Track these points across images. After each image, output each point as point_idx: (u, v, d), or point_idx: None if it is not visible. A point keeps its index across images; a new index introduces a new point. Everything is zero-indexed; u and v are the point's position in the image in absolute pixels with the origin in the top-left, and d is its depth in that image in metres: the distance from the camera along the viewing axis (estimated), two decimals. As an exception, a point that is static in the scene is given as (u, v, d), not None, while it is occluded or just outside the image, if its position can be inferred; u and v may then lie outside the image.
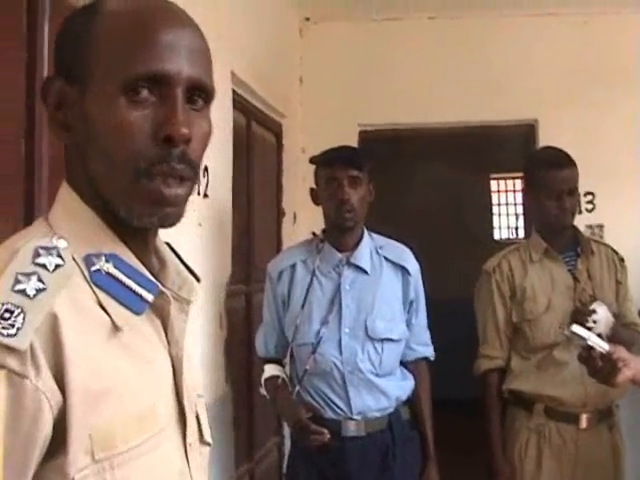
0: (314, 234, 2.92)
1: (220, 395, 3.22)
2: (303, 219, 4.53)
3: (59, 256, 0.93)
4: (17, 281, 0.87)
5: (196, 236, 2.97)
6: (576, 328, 2.10)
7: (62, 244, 0.95)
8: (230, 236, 3.43)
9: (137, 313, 0.98)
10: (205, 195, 3.08)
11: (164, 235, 2.62)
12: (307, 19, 4.71)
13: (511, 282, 3.08)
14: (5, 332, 0.83)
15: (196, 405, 1.10)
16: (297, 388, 2.75)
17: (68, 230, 0.98)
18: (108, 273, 0.97)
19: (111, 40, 0.97)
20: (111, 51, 0.97)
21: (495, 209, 8.57)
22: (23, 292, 0.87)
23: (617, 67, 4.53)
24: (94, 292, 0.95)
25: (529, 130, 4.79)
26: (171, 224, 1.04)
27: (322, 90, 4.72)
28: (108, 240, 1.00)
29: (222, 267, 3.31)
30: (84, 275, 0.96)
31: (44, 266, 0.90)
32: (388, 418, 2.72)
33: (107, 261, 0.97)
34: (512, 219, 8.41)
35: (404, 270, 2.82)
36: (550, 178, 2.96)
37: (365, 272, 2.77)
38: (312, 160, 2.89)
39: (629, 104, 4.49)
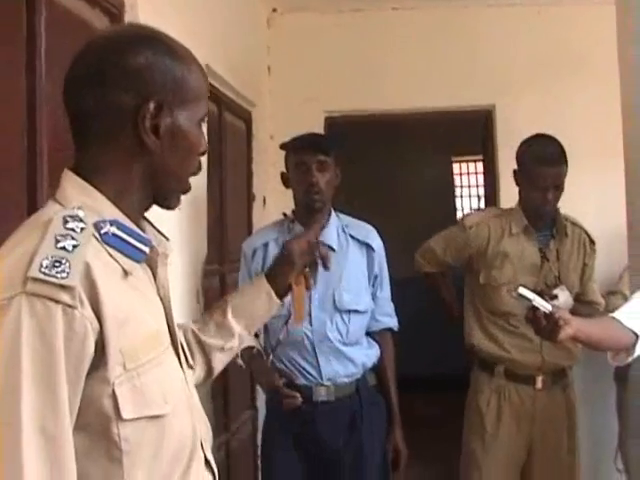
0: (285, 215, 3.12)
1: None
2: (272, 203, 4.73)
3: (81, 221, 1.23)
4: (57, 240, 1.17)
5: (176, 220, 3.16)
6: (522, 290, 2.32)
7: (81, 213, 1.25)
8: (205, 220, 3.63)
9: (138, 261, 1.30)
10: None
11: (155, 218, 2.82)
12: (274, 10, 4.89)
13: (483, 246, 3.34)
14: (59, 275, 1.13)
15: (179, 336, 1.45)
16: (271, 357, 2.95)
17: (78, 204, 1.27)
18: (114, 234, 1.27)
19: (190, 81, 1.37)
20: (193, 90, 1.37)
21: (457, 191, 8.82)
22: (64, 248, 1.17)
23: (570, 56, 4.76)
24: (105, 249, 1.25)
25: (487, 115, 5.03)
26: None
27: (289, 79, 4.90)
28: (110, 210, 1.31)
29: (199, 248, 3.51)
30: (95, 237, 1.25)
31: (73, 229, 1.20)
32: (356, 383, 2.95)
33: (111, 225, 1.27)
34: (474, 200, 8.65)
35: (369, 247, 3.04)
36: (538, 173, 3.19)
37: (333, 249, 2.97)
38: (282, 146, 3.09)
39: (582, 91, 4.72)
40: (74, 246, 1.18)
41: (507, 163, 3.73)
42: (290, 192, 3.07)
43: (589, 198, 4.55)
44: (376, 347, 3.06)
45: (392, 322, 3.13)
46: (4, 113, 1.92)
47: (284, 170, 3.09)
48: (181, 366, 1.42)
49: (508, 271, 3.29)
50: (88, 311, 1.16)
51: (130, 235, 1.29)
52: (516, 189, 3.41)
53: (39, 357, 1.11)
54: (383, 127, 6.02)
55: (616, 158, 4.63)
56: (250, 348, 3.01)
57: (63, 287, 1.13)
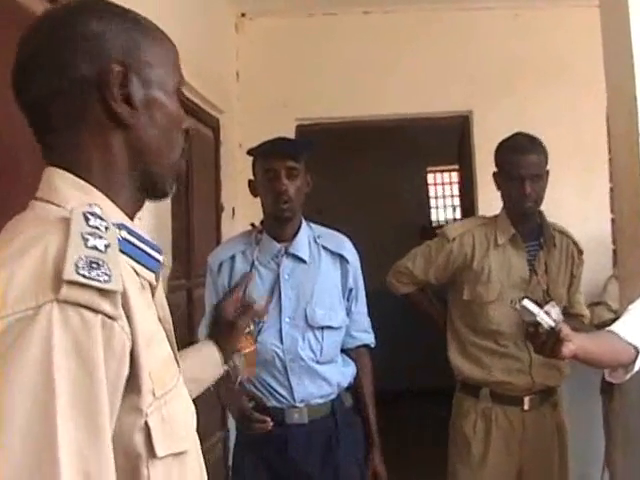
0: (253, 225, 2.93)
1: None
2: (242, 213, 4.55)
3: (102, 219, 1.03)
4: (85, 239, 0.97)
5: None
6: (527, 303, 2.15)
7: (99, 210, 1.04)
8: (169, 231, 3.43)
9: (154, 272, 1.12)
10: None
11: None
12: (243, 15, 4.72)
13: (467, 259, 3.12)
14: (102, 279, 0.94)
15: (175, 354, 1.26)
16: (239, 378, 2.76)
17: (77, 202, 1.07)
18: (125, 239, 1.07)
19: (158, 49, 1.23)
20: (162, 58, 1.23)
21: (432, 202, 8.67)
22: (95, 248, 0.97)
23: (548, 59, 4.65)
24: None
25: (464, 122, 4.89)
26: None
27: (259, 85, 4.74)
28: (115, 212, 1.13)
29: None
30: None
31: (97, 227, 1.00)
32: (331, 404, 2.75)
33: (120, 229, 1.06)
34: (449, 211, 8.51)
35: (342, 259, 2.86)
36: (512, 162, 2.99)
37: (304, 261, 2.79)
38: (249, 152, 2.91)
39: (561, 96, 4.61)
40: (106, 246, 0.98)
41: (485, 170, 3.56)
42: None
43: (570, 205, 4.41)
44: (352, 365, 2.87)
45: (369, 338, 2.94)
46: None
47: (252, 178, 2.90)
48: None
49: (495, 286, 3.07)
50: (126, 324, 0.99)
51: (142, 241, 1.11)
52: (495, 197, 3.22)
53: (77, 381, 0.91)
54: (356, 134, 5.84)
55: (597, 164, 4.55)
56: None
57: (105, 293, 0.94)
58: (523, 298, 2.21)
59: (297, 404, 2.71)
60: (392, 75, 4.71)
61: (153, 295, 1.17)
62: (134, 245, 1.09)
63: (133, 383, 1.00)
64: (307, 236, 2.85)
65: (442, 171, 8.47)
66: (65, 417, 0.89)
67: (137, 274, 1.09)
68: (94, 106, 1.14)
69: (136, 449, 1.00)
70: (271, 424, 2.56)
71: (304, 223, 2.87)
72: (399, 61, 4.71)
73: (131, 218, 1.20)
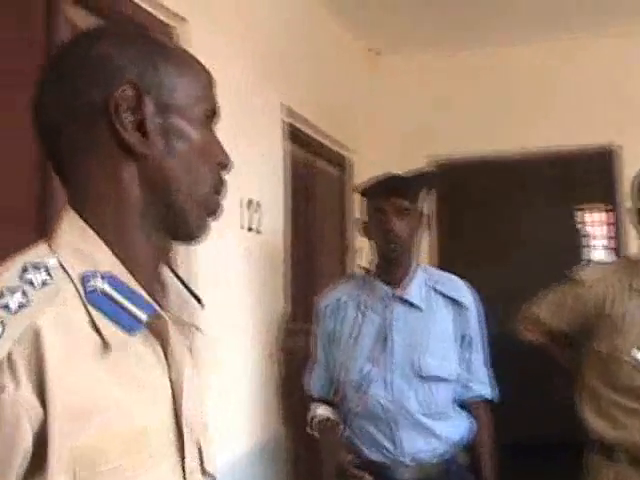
0: (364, 268, 2.79)
1: (273, 435, 3.11)
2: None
3: (47, 273, 0.94)
4: (2, 295, 0.89)
5: (242, 271, 2.89)
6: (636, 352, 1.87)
7: (52, 262, 0.96)
8: (283, 271, 3.33)
9: (130, 333, 0.97)
10: (252, 229, 2.99)
11: (209, 271, 2.54)
12: (374, 51, 4.62)
13: (602, 305, 2.80)
14: None
15: (199, 434, 1.09)
16: (342, 428, 2.60)
17: (68, 249, 0.99)
18: (103, 292, 0.97)
19: (186, 71, 1.08)
20: (190, 81, 1.08)
21: (582, 242, 8.13)
22: (6, 306, 0.89)
23: None
24: (87, 310, 0.95)
25: (610, 157, 4.54)
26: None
27: (391, 122, 4.63)
28: (106, 259, 1.00)
29: (273, 303, 3.20)
30: (79, 293, 0.96)
31: (30, 282, 0.92)
32: (443, 462, 2.54)
33: (103, 280, 0.97)
34: (600, 253, 7.97)
35: (458, 304, 2.65)
36: None
37: (415, 307, 2.61)
38: (358, 190, 2.77)
39: None
40: (21, 305, 0.89)
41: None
42: None
43: None
44: (468, 420, 2.64)
45: (488, 391, 2.69)
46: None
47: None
48: (185, 475, 1.04)
49: (633, 337, 2.73)
50: (25, 394, 0.87)
51: (125, 296, 0.98)
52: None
53: None
54: (493, 171, 5.56)
55: None
56: (323, 418, 2.68)
57: None
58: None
59: (404, 460, 2.51)
60: (529, 108, 4.46)
61: (164, 351, 1.04)
62: (111, 299, 0.97)
63: (38, 459, 0.88)
64: (420, 280, 2.67)
65: (592, 209, 7.96)
66: None
67: (98, 332, 0.95)
68: (103, 134, 1.02)
69: None
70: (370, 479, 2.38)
71: (418, 266, 2.69)
72: (538, 94, 4.45)
73: (155, 261, 1.08)
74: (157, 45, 1.08)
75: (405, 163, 4.22)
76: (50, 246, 1.00)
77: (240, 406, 2.87)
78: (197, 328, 1.17)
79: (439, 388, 2.55)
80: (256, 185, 3.04)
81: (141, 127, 1.03)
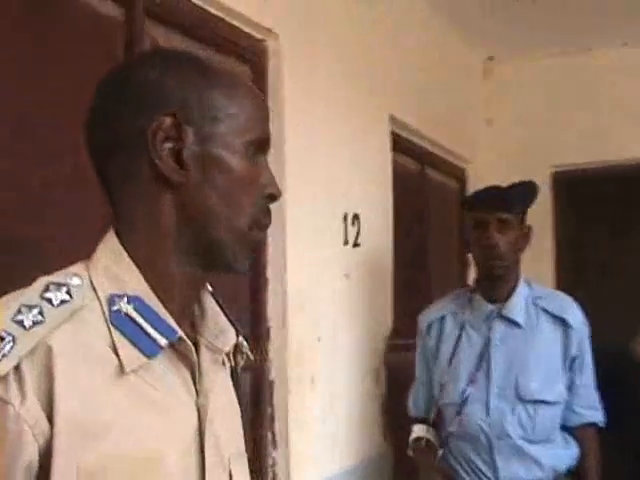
0: (466, 284, 2.68)
1: (376, 453, 3.04)
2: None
3: (68, 292, 0.96)
4: (19, 312, 0.91)
5: (342, 288, 2.85)
6: None
7: (75, 282, 0.98)
8: (389, 287, 3.26)
9: (149, 356, 0.98)
10: (355, 244, 2.95)
11: (310, 286, 2.52)
12: (490, 58, 4.47)
13: None
14: None
15: (230, 462, 1.08)
16: (441, 451, 2.50)
17: (102, 270, 1.01)
18: (127, 314, 0.98)
19: (230, 102, 1.05)
20: (233, 111, 1.04)
21: None
22: (20, 322, 0.91)
23: None
24: (110, 331, 0.97)
25: None
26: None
27: (510, 131, 4.47)
28: (136, 282, 1.01)
29: (378, 320, 3.14)
30: (104, 314, 0.97)
31: (49, 300, 0.94)
32: (544, 491, 2.40)
33: (128, 302, 0.99)
34: None
35: (564, 323, 2.50)
36: None
37: (518, 325, 2.49)
38: (461, 203, 2.68)
39: None
40: (35, 322, 0.91)
41: None
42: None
43: None
44: (574, 447, 2.48)
45: (596, 416, 2.52)
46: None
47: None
48: None
49: None
50: (31, 410, 0.88)
51: (148, 320, 0.99)
52: None
53: None
54: (624, 181, 5.23)
55: None
56: (420, 439, 2.59)
57: None
58: None
59: (502, 487, 2.39)
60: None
61: (193, 376, 1.04)
62: (134, 321, 0.98)
63: (41, 474, 0.89)
64: (524, 297, 2.54)
65: None
66: None
67: (117, 354, 0.96)
68: (145, 162, 1.03)
69: None
70: (463, 507, 2.28)
71: (522, 282, 2.56)
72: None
73: (191, 287, 1.06)
74: (205, 72, 1.06)
75: (526, 173, 4.09)
76: (87, 266, 1.02)
77: (343, 422, 2.83)
78: (238, 354, 1.18)
79: (542, 412, 2.41)
80: (361, 199, 3.00)
81: (179, 157, 1.02)
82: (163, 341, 0.98)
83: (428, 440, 2.60)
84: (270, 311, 2.44)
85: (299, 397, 2.51)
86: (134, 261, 1.02)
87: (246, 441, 2.29)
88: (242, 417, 1.19)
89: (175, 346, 1.01)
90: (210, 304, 1.12)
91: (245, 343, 1.19)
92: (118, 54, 1.89)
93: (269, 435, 2.44)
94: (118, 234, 1.05)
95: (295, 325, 2.48)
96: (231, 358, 1.18)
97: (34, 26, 1.64)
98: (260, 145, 1.07)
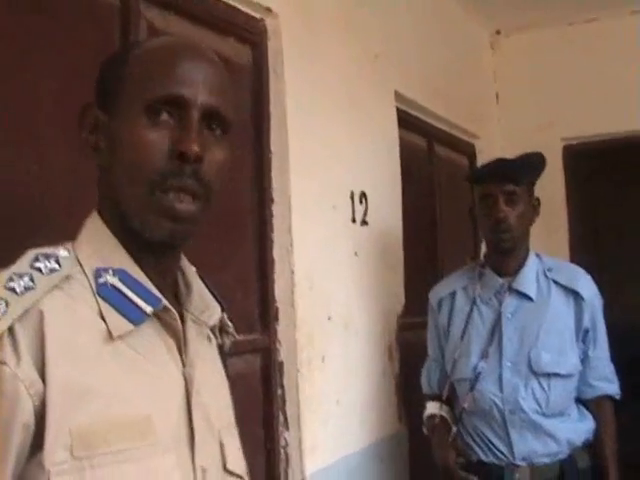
0: (472, 258, 2.66)
1: (391, 432, 3.03)
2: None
3: (57, 262, 1.01)
4: (10, 279, 0.95)
5: (350, 266, 2.83)
6: None
7: (63, 253, 1.03)
8: (400, 265, 3.24)
9: (135, 323, 1.02)
10: (364, 222, 2.92)
11: (318, 265, 2.51)
12: (498, 32, 4.42)
13: None
14: None
15: (220, 432, 1.12)
16: (455, 429, 2.49)
17: (87, 248, 1.06)
18: (113, 285, 1.03)
19: (139, 69, 1.06)
20: (136, 78, 1.06)
21: None
22: (12, 289, 0.95)
23: None
24: (97, 302, 1.01)
25: None
26: (181, 240, 1.08)
27: (520, 105, 4.42)
28: (120, 257, 1.06)
29: (389, 298, 3.12)
30: (91, 286, 1.02)
31: (39, 269, 0.98)
32: (559, 465, 2.37)
33: (114, 275, 1.03)
34: None
35: (577, 295, 2.47)
36: None
37: (529, 298, 2.46)
38: (467, 177, 2.65)
39: None
40: (27, 288, 0.95)
41: None
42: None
43: None
44: (589, 419, 2.46)
45: (611, 388, 2.50)
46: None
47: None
48: (194, 469, 1.05)
49: None
50: (26, 371, 0.92)
51: (134, 290, 1.03)
52: None
53: None
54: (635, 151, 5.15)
55: None
56: (433, 416, 2.58)
57: None
58: None
59: (518, 462, 2.37)
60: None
61: (179, 347, 1.07)
62: (119, 292, 1.02)
63: (37, 435, 0.92)
64: (535, 270, 2.51)
65: None
66: None
67: (103, 320, 1.00)
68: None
69: None
70: (476, 484, 2.26)
71: (532, 254, 2.53)
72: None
73: (161, 262, 1.10)
74: (120, 53, 1.14)
75: (537, 147, 4.04)
76: (72, 244, 1.07)
77: (356, 402, 2.81)
78: (227, 330, 1.25)
79: (556, 385, 2.38)
80: (368, 176, 2.97)
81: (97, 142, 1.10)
82: (148, 308, 1.03)
83: (442, 417, 2.58)
84: (278, 291, 2.42)
85: (310, 377, 2.49)
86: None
87: (257, 422, 2.30)
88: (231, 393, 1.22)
89: (160, 316, 1.06)
90: (195, 281, 1.17)
91: (229, 322, 1.24)
92: (115, 39, 1.87)
93: (280, 416, 2.42)
94: (100, 213, 1.10)
95: (304, 305, 2.46)
96: (217, 335, 1.22)
97: (31, 14, 1.62)
98: (166, 103, 1.04)
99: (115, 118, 1.06)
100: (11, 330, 0.92)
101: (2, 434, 0.91)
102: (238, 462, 1.15)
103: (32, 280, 0.96)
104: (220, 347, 1.23)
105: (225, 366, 1.24)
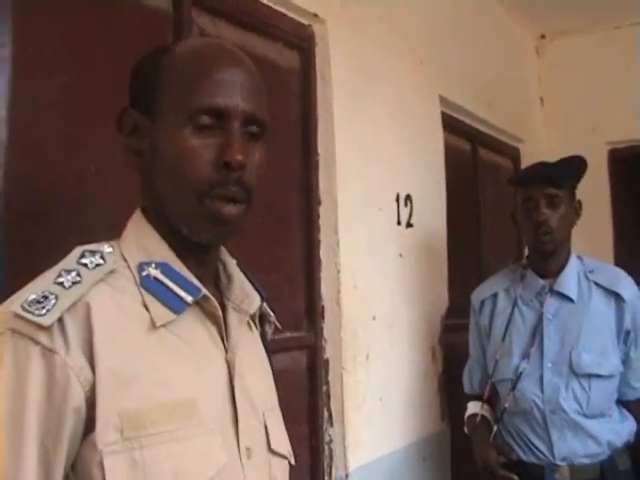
0: (515, 261, 2.69)
1: (433, 431, 3.07)
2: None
3: (102, 257, 1.07)
4: (59, 275, 1.03)
5: (395, 267, 2.88)
6: None
7: (107, 249, 1.09)
8: (444, 267, 3.28)
9: (176, 312, 1.08)
10: (409, 225, 2.98)
11: (363, 265, 2.56)
12: (543, 37, 4.44)
13: None
14: (37, 312, 0.97)
15: (264, 415, 1.18)
16: (496, 428, 2.52)
17: (131, 244, 1.13)
18: (155, 278, 1.09)
19: (178, 77, 1.11)
20: (178, 86, 1.10)
21: None
22: (61, 284, 1.01)
23: None
24: (141, 293, 1.08)
25: None
26: (226, 240, 1.18)
27: (565, 109, 4.44)
28: (163, 251, 1.12)
29: (433, 299, 3.17)
30: (135, 279, 1.09)
31: (85, 265, 1.05)
32: (600, 466, 2.39)
33: (156, 268, 1.10)
34: None
35: (617, 297, 2.49)
36: None
37: (571, 300, 2.49)
38: (509, 181, 2.69)
39: None
40: (74, 282, 1.03)
41: None
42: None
43: None
44: (631, 421, 2.48)
45: (653, 391, 2.51)
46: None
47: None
48: (239, 450, 1.11)
49: None
50: (75, 359, 0.98)
51: (175, 281, 1.10)
52: None
53: (10, 404, 0.96)
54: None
55: None
56: (474, 416, 2.62)
57: (39, 326, 0.97)
58: None
59: (558, 462, 2.40)
60: None
61: (221, 334, 1.14)
62: (161, 283, 1.09)
63: (88, 419, 0.99)
64: (576, 271, 2.54)
65: None
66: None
67: (147, 310, 1.07)
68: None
69: None
70: (517, 482, 2.29)
71: (573, 256, 2.56)
72: None
73: (205, 255, 1.18)
74: (161, 57, 1.16)
75: (582, 151, 4.05)
76: (118, 241, 1.14)
77: (400, 400, 2.86)
78: (268, 319, 1.32)
79: (597, 386, 2.41)
80: (413, 179, 3.02)
81: (139, 146, 1.15)
82: (189, 298, 1.09)
83: (483, 416, 2.62)
84: (324, 290, 2.49)
85: (354, 375, 2.55)
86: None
87: (302, 418, 2.36)
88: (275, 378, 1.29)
89: (202, 305, 1.12)
90: (236, 272, 1.23)
91: (271, 312, 1.31)
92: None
93: (325, 413, 2.49)
94: (144, 211, 1.17)
95: (349, 304, 2.52)
96: (258, 324, 1.29)
97: (89, 22, 1.70)
98: (211, 113, 1.08)
99: (157, 124, 1.11)
100: (60, 321, 0.98)
101: (56, 418, 0.97)
102: (282, 443, 1.21)
103: (79, 275, 1.03)
104: (262, 335, 1.30)
105: (268, 354, 1.30)
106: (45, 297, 0.99)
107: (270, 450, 1.18)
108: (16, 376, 0.96)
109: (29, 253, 1.50)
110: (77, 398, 0.98)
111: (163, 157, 1.10)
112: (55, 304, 0.98)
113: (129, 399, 1.00)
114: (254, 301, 1.22)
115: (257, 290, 1.25)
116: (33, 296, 0.99)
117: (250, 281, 1.25)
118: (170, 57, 1.13)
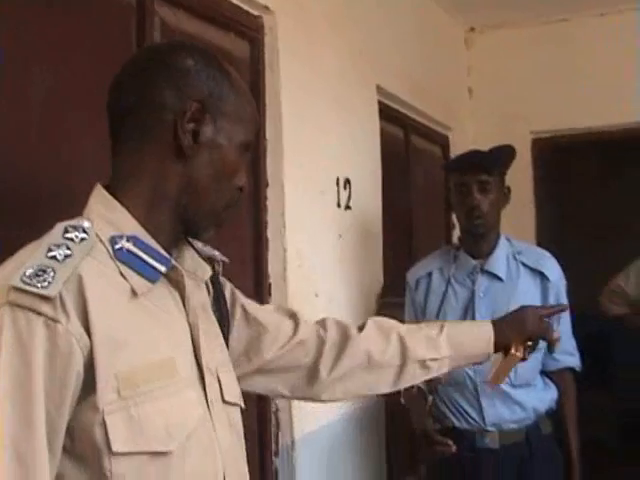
0: (448, 242, 2.88)
1: (372, 403, 3.23)
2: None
3: (84, 232, 1.15)
4: (49, 249, 1.10)
5: (335, 247, 3.03)
6: None
7: (86, 224, 1.17)
8: (379, 248, 3.45)
9: (152, 281, 1.19)
10: (347, 207, 3.13)
11: (307, 245, 2.68)
12: (472, 29, 4.64)
13: None
14: (39, 285, 1.04)
15: (217, 370, 1.30)
16: (431, 398, 2.70)
17: (97, 218, 1.20)
18: (128, 250, 1.18)
19: (234, 108, 1.29)
20: (235, 115, 1.28)
21: None
22: (54, 257, 1.09)
23: None
24: (117, 265, 1.16)
25: None
26: None
27: (492, 99, 4.64)
28: (131, 225, 1.22)
29: (368, 278, 3.33)
30: (109, 252, 1.17)
31: (71, 239, 1.13)
32: (525, 430, 2.60)
33: (128, 240, 1.19)
34: None
35: (542, 276, 2.69)
36: None
37: (499, 279, 2.68)
38: (444, 166, 2.86)
39: None
40: (66, 256, 1.10)
41: None
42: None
43: None
44: (553, 389, 2.69)
45: (573, 361, 2.73)
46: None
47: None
48: (207, 402, 1.25)
49: None
50: (75, 326, 1.07)
51: (147, 253, 1.20)
52: None
53: (15, 373, 1.03)
54: (600, 146, 5.40)
55: None
56: (411, 387, 2.79)
57: (43, 297, 1.05)
58: None
59: (488, 427, 2.59)
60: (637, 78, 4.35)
61: (184, 301, 1.26)
62: (135, 255, 1.18)
63: (91, 381, 1.08)
64: (505, 252, 2.73)
65: None
66: (4, 406, 1.01)
67: (126, 280, 1.16)
68: (164, 131, 1.23)
69: (97, 442, 1.08)
70: (454, 448, 2.47)
71: (502, 238, 2.75)
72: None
73: (171, 238, 1.28)
74: (226, 73, 1.31)
75: (507, 140, 4.26)
76: (84, 216, 1.21)
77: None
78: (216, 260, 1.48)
79: (523, 358, 2.61)
80: (352, 164, 3.17)
81: (195, 136, 1.24)
82: (162, 268, 1.20)
83: (419, 388, 2.79)
84: (271, 268, 2.62)
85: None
86: (127, 209, 1.22)
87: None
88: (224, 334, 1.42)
89: (167, 273, 1.22)
90: (185, 245, 1.35)
91: (218, 253, 1.48)
92: (131, 36, 2.05)
93: (272, 384, 2.62)
94: (110, 186, 1.25)
95: (294, 281, 2.66)
96: (210, 289, 1.43)
97: (54, 14, 1.78)
98: (248, 147, 1.31)
99: (220, 132, 1.26)
100: (60, 293, 1.06)
101: (61, 382, 1.05)
102: (233, 393, 1.34)
103: (69, 249, 1.11)
104: (218, 298, 1.46)
105: (226, 311, 1.48)
106: (43, 271, 1.06)
107: (224, 401, 1.30)
108: (19, 347, 1.03)
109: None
110: (79, 363, 1.07)
111: (222, 156, 1.27)
112: (55, 276, 1.06)
113: (123, 361, 1.10)
114: (206, 270, 1.36)
115: (203, 259, 1.38)
116: (30, 270, 1.06)
117: (198, 253, 1.38)
118: (232, 81, 1.30)
